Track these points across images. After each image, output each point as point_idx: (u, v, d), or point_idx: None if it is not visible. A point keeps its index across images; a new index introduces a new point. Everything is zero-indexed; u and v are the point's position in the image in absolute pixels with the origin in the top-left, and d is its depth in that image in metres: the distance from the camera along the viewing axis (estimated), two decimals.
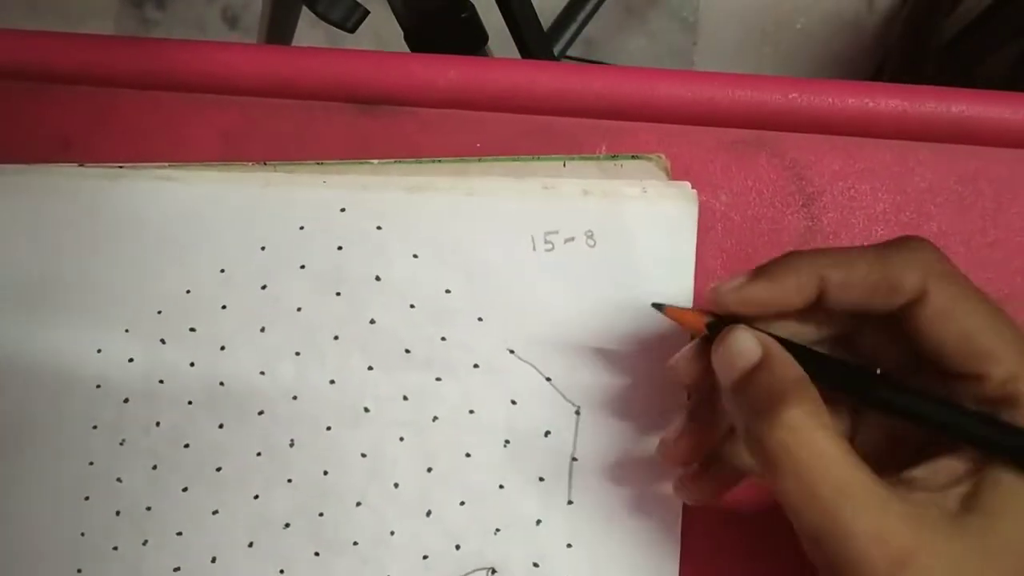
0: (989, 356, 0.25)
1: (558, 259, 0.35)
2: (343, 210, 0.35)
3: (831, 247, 0.29)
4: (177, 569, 0.35)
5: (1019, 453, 0.25)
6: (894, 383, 0.26)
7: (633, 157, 0.36)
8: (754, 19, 1.13)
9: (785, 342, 0.27)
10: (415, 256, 0.35)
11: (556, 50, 0.95)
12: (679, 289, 0.35)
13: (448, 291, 0.35)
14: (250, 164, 0.36)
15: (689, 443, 0.31)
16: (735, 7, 1.13)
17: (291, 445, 0.35)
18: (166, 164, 0.36)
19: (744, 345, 0.27)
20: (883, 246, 0.27)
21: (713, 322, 0.28)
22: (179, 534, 0.35)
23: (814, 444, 0.24)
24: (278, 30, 0.74)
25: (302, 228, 0.36)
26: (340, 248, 0.35)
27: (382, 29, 0.61)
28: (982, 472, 0.25)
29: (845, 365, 0.27)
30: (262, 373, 0.36)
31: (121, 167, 0.36)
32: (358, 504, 0.35)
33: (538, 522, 0.35)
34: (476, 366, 0.35)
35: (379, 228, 0.35)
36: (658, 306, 0.31)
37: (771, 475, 0.25)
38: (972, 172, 0.36)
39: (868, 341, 0.29)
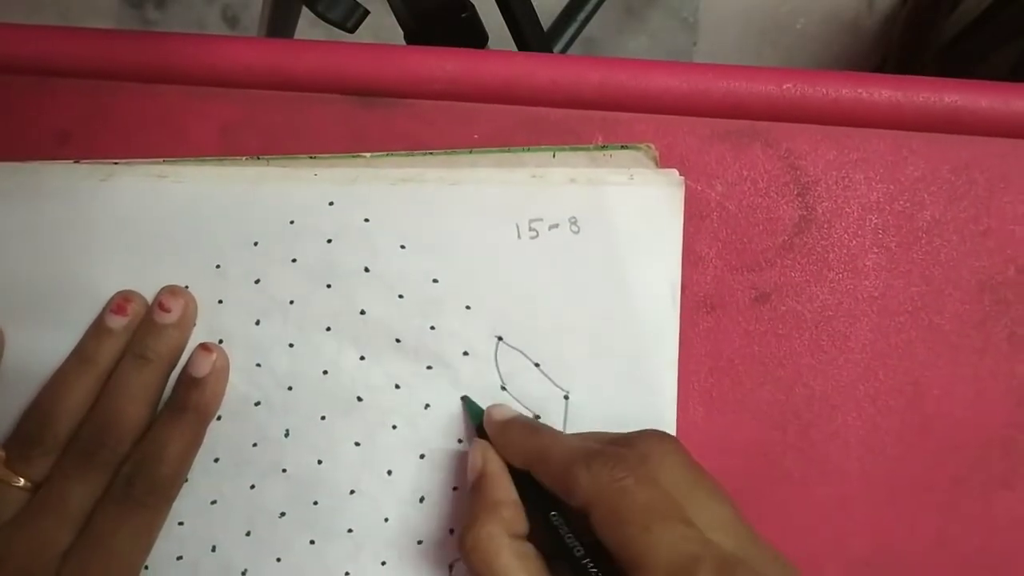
0: (637, 566, 0.27)
1: (543, 246, 0.35)
2: (332, 204, 0.36)
3: (550, 432, 0.33)
4: (180, 558, 0.35)
5: None
6: (559, 525, 0.31)
7: (622, 147, 0.36)
8: (754, 19, 1.13)
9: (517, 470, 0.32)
10: (402, 247, 0.36)
11: (556, 50, 0.95)
12: (665, 273, 0.35)
13: (436, 280, 0.35)
14: (244, 158, 0.37)
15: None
16: (735, 7, 1.13)
17: (286, 435, 0.36)
18: (160, 160, 0.36)
19: (473, 458, 0.33)
20: (578, 454, 0.30)
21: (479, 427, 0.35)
22: (180, 524, 0.35)
23: (490, 557, 0.30)
24: (278, 30, 0.75)
25: (292, 222, 0.36)
26: (329, 241, 0.36)
27: (382, 29, 0.61)
28: None
29: (542, 497, 0.32)
30: (258, 365, 0.36)
31: (116, 163, 0.36)
32: (352, 492, 0.35)
33: None
34: (465, 354, 0.35)
35: (367, 220, 0.36)
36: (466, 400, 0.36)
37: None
38: (965, 161, 0.36)
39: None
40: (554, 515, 0.31)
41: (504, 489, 0.32)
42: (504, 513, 0.31)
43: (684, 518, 0.28)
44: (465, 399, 0.35)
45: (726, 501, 0.30)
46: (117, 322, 0.35)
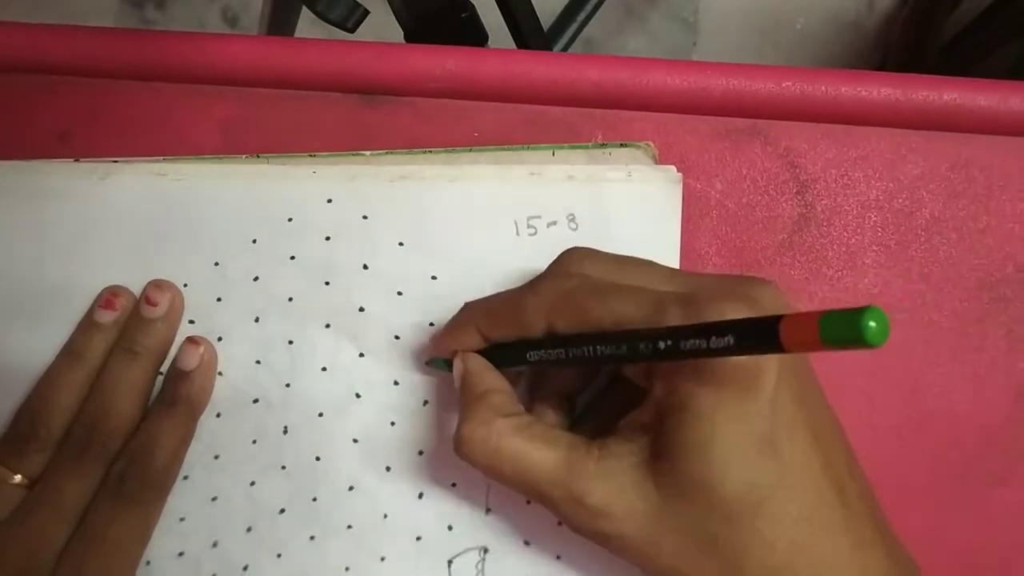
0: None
1: (541, 243, 0.35)
2: (330, 201, 0.36)
3: (494, 299, 0.32)
4: (181, 554, 0.35)
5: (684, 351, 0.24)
6: (547, 345, 0.30)
7: (622, 145, 0.36)
8: (754, 19, 1.13)
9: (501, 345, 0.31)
10: (400, 244, 0.36)
11: (556, 50, 0.95)
12: None
13: (434, 277, 0.35)
14: (243, 156, 0.37)
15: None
16: (735, 7, 1.13)
17: (285, 432, 0.36)
18: (160, 158, 0.36)
19: (455, 369, 0.32)
20: (522, 289, 0.31)
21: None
22: (181, 520, 0.35)
23: (489, 442, 0.29)
24: (278, 30, 0.75)
25: (291, 220, 0.36)
26: (328, 238, 0.36)
27: (382, 29, 0.61)
28: (664, 416, 0.27)
29: (512, 348, 0.31)
30: (257, 362, 0.36)
31: (115, 162, 0.36)
32: (351, 488, 0.35)
33: (528, 501, 0.35)
34: None
35: (365, 217, 0.36)
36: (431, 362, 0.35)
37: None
38: (964, 159, 0.36)
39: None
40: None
41: (488, 379, 0.31)
42: (493, 399, 0.30)
43: None
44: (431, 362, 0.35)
45: None
46: (106, 317, 0.35)
